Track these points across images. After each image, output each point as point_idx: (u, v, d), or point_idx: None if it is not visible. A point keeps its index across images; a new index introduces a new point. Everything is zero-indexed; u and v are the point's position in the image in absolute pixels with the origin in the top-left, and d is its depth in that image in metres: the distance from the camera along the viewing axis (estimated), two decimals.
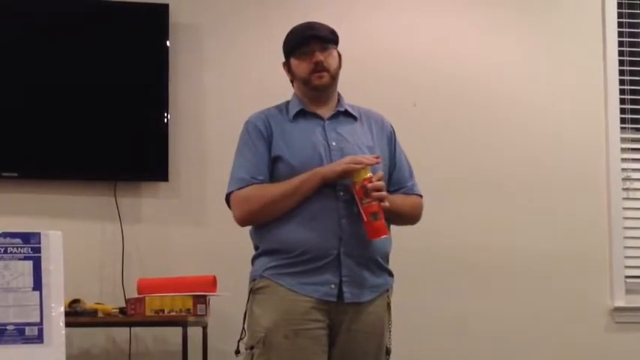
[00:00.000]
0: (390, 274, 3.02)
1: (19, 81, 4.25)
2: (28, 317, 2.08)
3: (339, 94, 3.08)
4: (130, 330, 4.18)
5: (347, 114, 3.05)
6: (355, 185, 2.81)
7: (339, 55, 3.05)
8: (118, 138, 4.30)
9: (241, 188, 2.91)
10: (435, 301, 4.48)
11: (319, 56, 2.96)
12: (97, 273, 4.24)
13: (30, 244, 2.11)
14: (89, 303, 3.93)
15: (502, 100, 4.69)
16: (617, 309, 4.65)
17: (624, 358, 4.60)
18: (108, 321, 3.95)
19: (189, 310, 3.79)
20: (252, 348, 2.87)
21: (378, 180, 2.84)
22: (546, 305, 4.57)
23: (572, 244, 4.63)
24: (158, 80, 4.33)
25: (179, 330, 3.79)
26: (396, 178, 3.06)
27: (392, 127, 3.13)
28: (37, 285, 2.10)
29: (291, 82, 3.08)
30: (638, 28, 4.88)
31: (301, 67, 2.99)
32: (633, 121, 4.82)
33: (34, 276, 2.10)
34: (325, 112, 3.03)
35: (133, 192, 4.33)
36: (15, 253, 2.10)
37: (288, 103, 3.07)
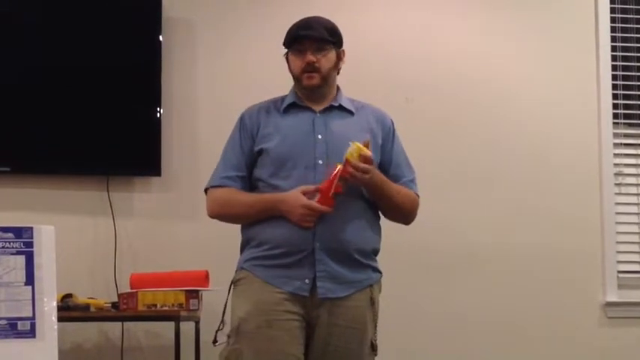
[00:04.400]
0: (376, 271, 3.01)
1: (10, 75, 4.23)
2: (21, 312, 2.07)
3: (338, 88, 3.09)
4: (123, 325, 4.18)
5: (342, 108, 3.05)
6: (344, 162, 2.82)
7: (339, 55, 3.05)
8: (110, 133, 4.29)
9: (218, 187, 3.03)
10: (430, 297, 4.48)
11: (311, 57, 2.97)
12: (90, 268, 4.24)
13: (22, 239, 2.10)
14: (81, 298, 3.93)
15: (495, 96, 4.69)
16: (610, 304, 4.66)
17: (616, 353, 4.62)
18: (100, 316, 3.94)
19: (181, 304, 3.79)
20: (228, 337, 2.90)
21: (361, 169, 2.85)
22: (539, 300, 4.58)
23: (565, 239, 4.63)
24: (151, 75, 4.32)
25: (171, 325, 3.79)
26: (392, 175, 3.06)
27: (392, 123, 3.13)
28: (30, 280, 2.09)
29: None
30: (630, 24, 4.89)
31: (295, 64, 3.02)
32: (626, 116, 4.83)
33: (26, 270, 2.09)
34: (319, 105, 3.04)
35: (126, 187, 4.33)
36: (7, 247, 2.09)
37: (285, 96, 3.09)
